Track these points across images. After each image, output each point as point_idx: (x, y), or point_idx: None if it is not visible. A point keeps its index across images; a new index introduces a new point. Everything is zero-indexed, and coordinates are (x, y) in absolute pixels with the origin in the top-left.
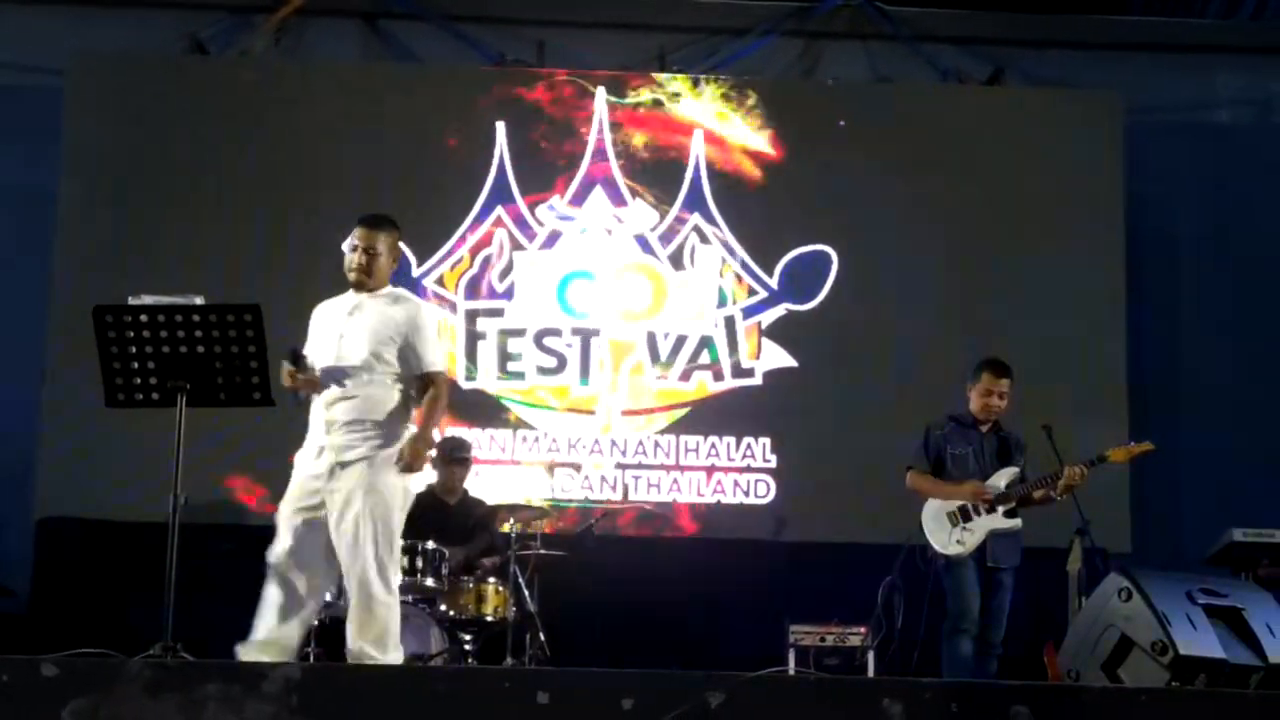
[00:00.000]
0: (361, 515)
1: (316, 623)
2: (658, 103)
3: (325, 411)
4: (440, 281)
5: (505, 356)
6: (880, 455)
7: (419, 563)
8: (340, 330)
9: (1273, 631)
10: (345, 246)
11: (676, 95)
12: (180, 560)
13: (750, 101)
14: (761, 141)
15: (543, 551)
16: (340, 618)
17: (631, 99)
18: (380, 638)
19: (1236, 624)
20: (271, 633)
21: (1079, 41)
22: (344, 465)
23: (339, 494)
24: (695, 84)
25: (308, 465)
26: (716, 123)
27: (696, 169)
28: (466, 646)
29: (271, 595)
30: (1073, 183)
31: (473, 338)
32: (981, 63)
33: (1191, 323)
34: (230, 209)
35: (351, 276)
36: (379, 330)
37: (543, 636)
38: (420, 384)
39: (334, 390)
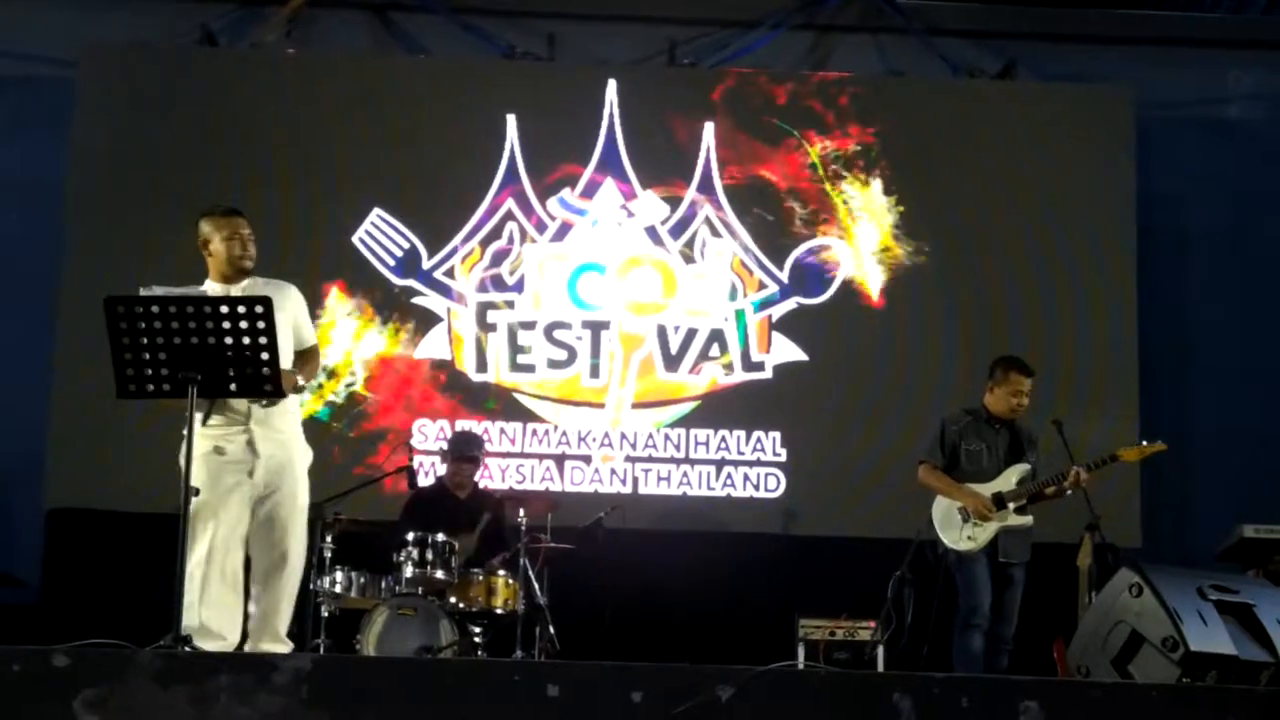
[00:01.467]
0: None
1: (326, 614)
2: (668, 96)
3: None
4: (451, 274)
5: (516, 349)
6: (890, 449)
7: (429, 555)
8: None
9: None
10: (228, 239)
11: (687, 88)
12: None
13: (761, 95)
14: (771, 135)
15: (552, 545)
16: (352, 608)
17: (642, 92)
18: None
19: (1247, 620)
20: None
21: (1091, 36)
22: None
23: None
24: (706, 77)
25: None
26: (726, 116)
27: (707, 162)
28: (476, 639)
29: None
30: (1084, 177)
31: (483, 330)
32: (993, 57)
33: (1203, 318)
34: (240, 200)
35: (243, 265)
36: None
37: (552, 629)
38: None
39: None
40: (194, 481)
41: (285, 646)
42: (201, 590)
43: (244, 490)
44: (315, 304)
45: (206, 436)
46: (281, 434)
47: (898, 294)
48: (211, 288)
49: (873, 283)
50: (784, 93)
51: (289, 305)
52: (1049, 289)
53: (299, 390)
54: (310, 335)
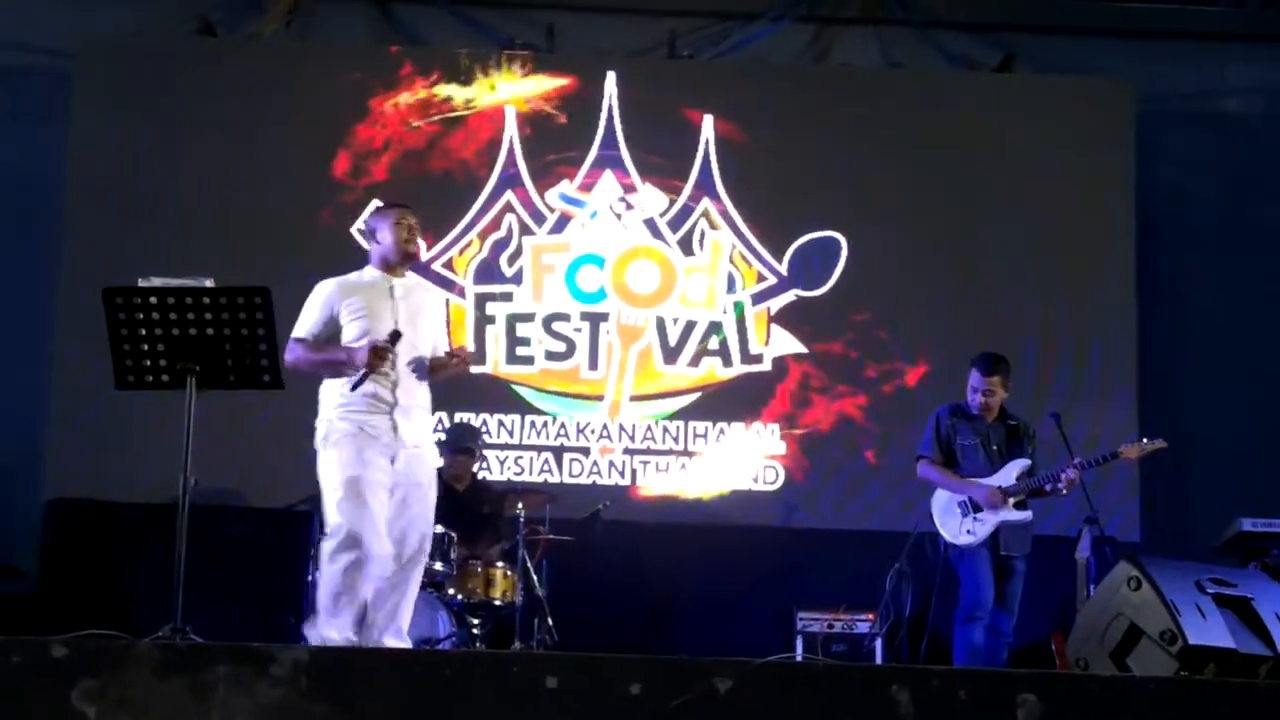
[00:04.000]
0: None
1: None
2: (668, 88)
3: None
4: (449, 266)
5: (514, 341)
6: (889, 442)
7: (427, 546)
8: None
9: None
10: (396, 225)
11: (687, 80)
12: (190, 542)
13: (761, 87)
14: (771, 127)
15: (551, 536)
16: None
17: (642, 84)
18: None
19: (1246, 613)
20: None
21: (1090, 28)
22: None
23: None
24: (706, 69)
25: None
26: (726, 108)
27: (707, 153)
28: (475, 631)
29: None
30: (1083, 170)
31: (481, 322)
32: (992, 49)
33: (1202, 311)
34: (239, 191)
35: (409, 251)
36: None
37: (551, 621)
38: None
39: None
40: (340, 460)
41: (405, 643)
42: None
43: (386, 473)
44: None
45: (349, 418)
46: (421, 427)
47: (896, 287)
48: (371, 274)
49: (871, 276)
50: (783, 85)
51: (439, 310)
52: (1048, 282)
53: (470, 365)
54: (446, 342)
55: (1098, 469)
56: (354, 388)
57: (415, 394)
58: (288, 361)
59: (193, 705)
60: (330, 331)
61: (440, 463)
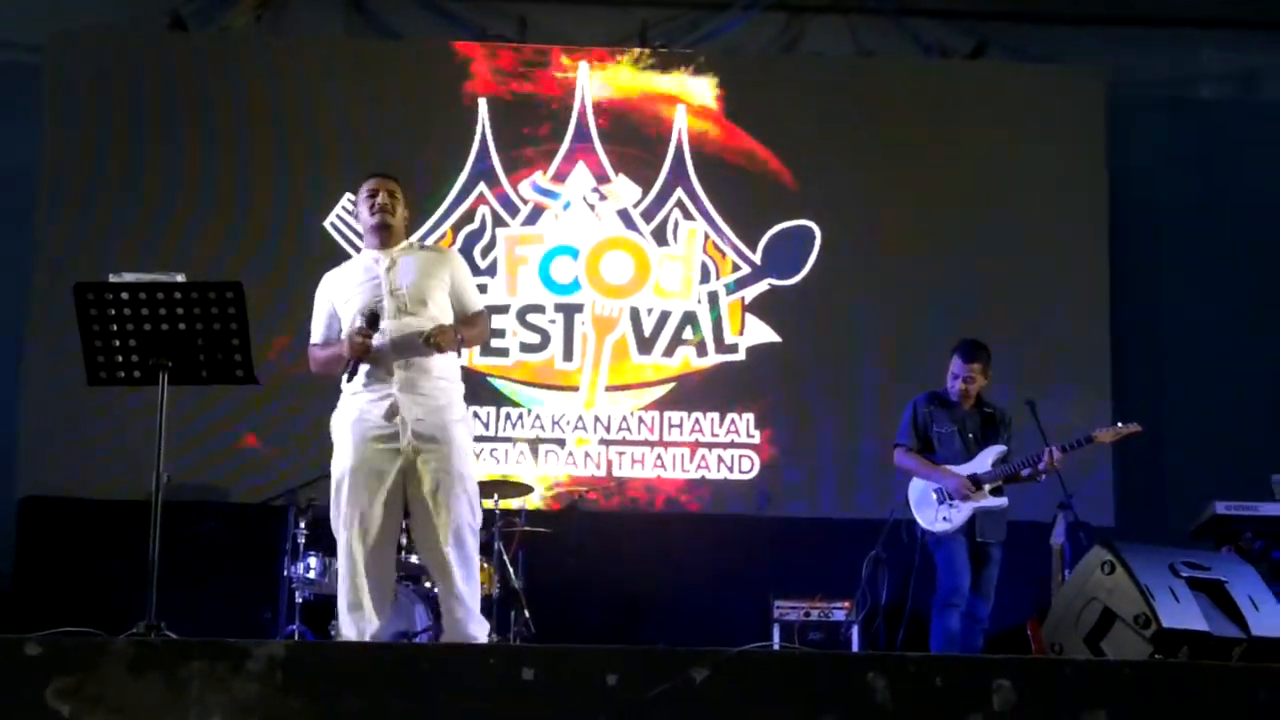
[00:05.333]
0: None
1: (300, 600)
2: (640, 78)
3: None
4: None
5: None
6: (864, 430)
7: (403, 540)
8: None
9: (1255, 604)
10: (368, 197)
11: (659, 70)
12: (164, 538)
13: (733, 76)
14: (744, 116)
15: (527, 528)
16: (326, 594)
17: (614, 74)
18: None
19: (1219, 597)
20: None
21: (1062, 15)
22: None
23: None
24: (677, 58)
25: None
26: (699, 97)
27: (679, 144)
28: None
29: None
30: (1056, 157)
31: None
32: (964, 37)
33: (1175, 297)
34: (211, 186)
35: (382, 220)
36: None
37: (527, 613)
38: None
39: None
40: (335, 457)
41: (482, 628)
42: (350, 579)
43: (391, 460)
44: (285, 289)
45: (345, 407)
46: (429, 398)
47: (871, 275)
48: (363, 257)
49: (844, 264)
50: (756, 74)
51: (443, 270)
52: (1021, 269)
53: (461, 346)
54: (474, 300)
55: (1073, 454)
56: (349, 379)
57: (422, 364)
58: (312, 369)
59: (168, 702)
60: (336, 327)
61: (472, 425)
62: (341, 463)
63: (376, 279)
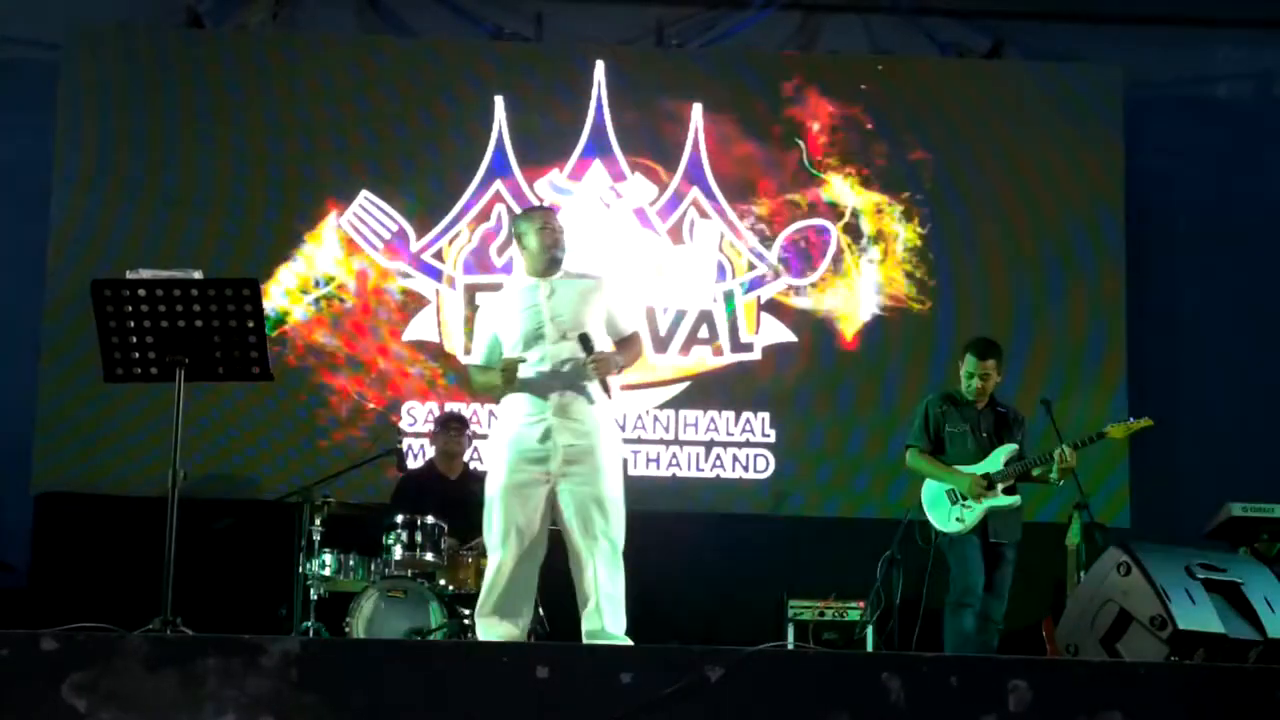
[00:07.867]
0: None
1: (315, 597)
2: (656, 76)
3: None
4: (439, 255)
5: None
6: (878, 430)
7: (418, 537)
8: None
9: (1271, 606)
10: (541, 230)
11: (675, 68)
12: (179, 534)
13: (749, 74)
14: (760, 115)
15: None
16: (341, 591)
17: (630, 72)
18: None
19: (1235, 598)
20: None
21: (1079, 14)
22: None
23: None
24: (694, 57)
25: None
26: (715, 96)
27: (696, 142)
28: (466, 621)
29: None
30: (1073, 156)
31: (471, 312)
32: (981, 36)
33: (1191, 296)
34: (227, 183)
35: (555, 256)
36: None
37: (542, 611)
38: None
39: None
40: (492, 470)
41: (619, 626)
42: (493, 589)
43: (542, 481)
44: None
45: (509, 424)
46: (580, 424)
47: (887, 274)
48: (523, 282)
49: (862, 264)
50: (772, 73)
51: (598, 297)
52: (1037, 267)
53: (620, 371)
54: (628, 323)
55: (1088, 454)
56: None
57: (578, 390)
58: (472, 388)
59: (183, 697)
60: (498, 350)
61: (622, 448)
62: (495, 480)
63: (536, 305)
